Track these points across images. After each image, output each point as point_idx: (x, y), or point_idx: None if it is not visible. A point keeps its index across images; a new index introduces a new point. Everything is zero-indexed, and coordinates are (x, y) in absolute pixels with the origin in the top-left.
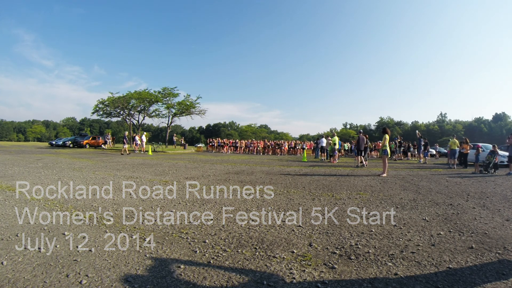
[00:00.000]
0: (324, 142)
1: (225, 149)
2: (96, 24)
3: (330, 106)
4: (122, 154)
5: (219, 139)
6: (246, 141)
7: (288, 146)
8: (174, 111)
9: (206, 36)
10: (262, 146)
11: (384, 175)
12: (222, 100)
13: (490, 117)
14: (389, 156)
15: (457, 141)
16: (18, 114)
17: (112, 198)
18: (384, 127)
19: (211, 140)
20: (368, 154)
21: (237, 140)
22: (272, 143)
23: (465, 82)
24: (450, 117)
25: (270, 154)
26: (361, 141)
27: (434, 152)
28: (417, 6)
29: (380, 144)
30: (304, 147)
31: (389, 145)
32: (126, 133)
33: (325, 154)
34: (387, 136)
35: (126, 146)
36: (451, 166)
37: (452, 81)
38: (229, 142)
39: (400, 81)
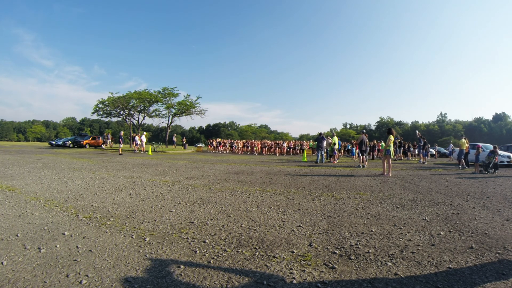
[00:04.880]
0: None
1: (220, 148)
2: (96, 24)
3: (330, 106)
4: (120, 154)
5: (219, 139)
6: (243, 141)
7: (287, 146)
8: (174, 111)
9: (206, 36)
10: (260, 146)
11: (389, 175)
12: (222, 100)
13: (490, 117)
14: (392, 156)
15: (465, 141)
16: (18, 114)
17: (112, 198)
18: (389, 127)
19: (210, 141)
20: (368, 154)
21: (233, 140)
22: (272, 143)
23: (465, 82)
24: (450, 117)
25: (268, 154)
26: (363, 141)
27: (433, 152)
28: (417, 6)
29: (383, 144)
30: (304, 147)
31: (393, 146)
32: (122, 132)
33: (326, 154)
34: (391, 137)
35: (121, 146)
36: (463, 167)
37: (452, 81)
38: (226, 141)
39: (400, 81)
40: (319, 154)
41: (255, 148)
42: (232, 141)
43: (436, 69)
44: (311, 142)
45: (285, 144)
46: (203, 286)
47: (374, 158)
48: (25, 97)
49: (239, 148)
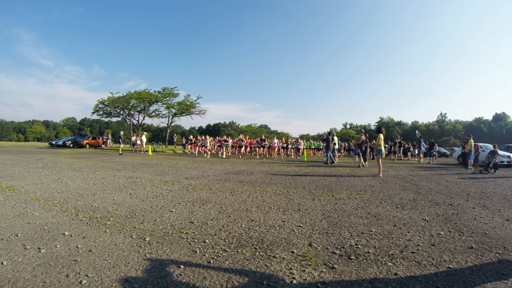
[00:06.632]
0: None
1: (191, 148)
2: (96, 24)
3: (330, 106)
4: (120, 154)
5: (191, 136)
6: (212, 138)
7: (279, 145)
8: (174, 111)
9: (206, 36)
10: (234, 144)
11: (380, 175)
12: (222, 100)
13: (490, 117)
14: (384, 156)
15: (473, 141)
16: (18, 114)
17: (112, 198)
18: (378, 126)
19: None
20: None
21: (204, 137)
22: (253, 141)
23: (465, 82)
24: (450, 117)
25: (249, 156)
26: (364, 141)
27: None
28: (417, 6)
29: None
30: (300, 147)
31: (383, 145)
32: (122, 132)
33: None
34: (381, 136)
35: (121, 146)
36: (470, 167)
37: (452, 81)
38: (199, 139)
39: (400, 81)
40: (328, 154)
41: (225, 148)
42: (204, 138)
43: (436, 69)
44: (309, 141)
45: (275, 141)
46: (203, 286)
47: (374, 158)
48: (25, 97)
49: (209, 146)
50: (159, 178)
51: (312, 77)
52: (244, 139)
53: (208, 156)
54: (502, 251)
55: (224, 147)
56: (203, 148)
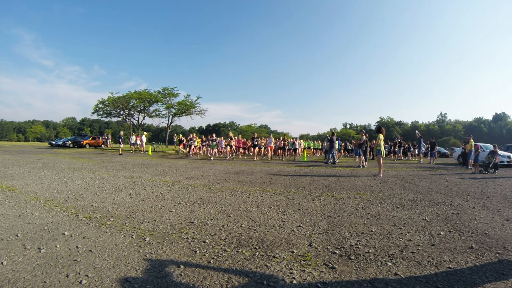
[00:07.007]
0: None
1: (180, 147)
2: (96, 24)
3: (330, 106)
4: (120, 154)
5: (180, 135)
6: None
7: (276, 145)
8: (174, 111)
9: (206, 36)
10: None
11: (380, 175)
12: (222, 100)
13: (490, 117)
14: (384, 156)
15: (473, 141)
16: (18, 114)
17: (112, 198)
18: (378, 126)
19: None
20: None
21: (191, 135)
22: (246, 141)
23: (465, 82)
24: (450, 117)
25: (243, 157)
26: (364, 141)
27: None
28: (417, 6)
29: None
30: (297, 147)
31: (383, 145)
32: (122, 132)
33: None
34: (381, 136)
35: (121, 146)
36: (470, 167)
37: (452, 81)
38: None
39: (400, 81)
40: (330, 155)
41: (211, 148)
42: (192, 136)
43: (436, 69)
44: (308, 141)
45: (271, 140)
46: (203, 286)
47: (374, 158)
48: (25, 97)
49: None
50: (159, 178)
51: (312, 77)
52: (233, 138)
53: (184, 152)
54: (502, 251)
55: (210, 148)
56: (194, 148)
